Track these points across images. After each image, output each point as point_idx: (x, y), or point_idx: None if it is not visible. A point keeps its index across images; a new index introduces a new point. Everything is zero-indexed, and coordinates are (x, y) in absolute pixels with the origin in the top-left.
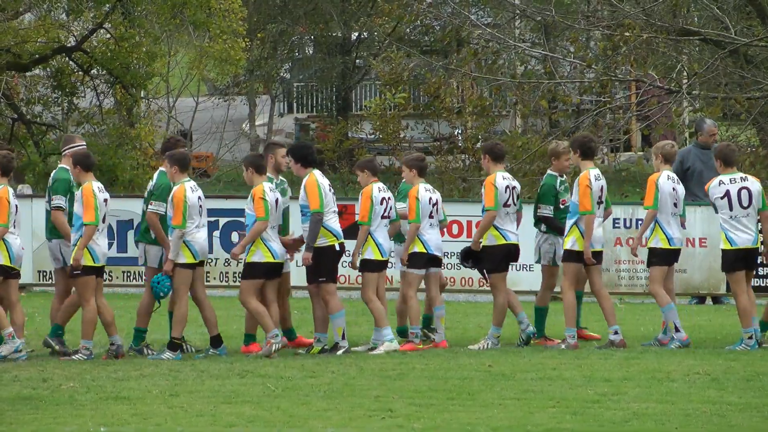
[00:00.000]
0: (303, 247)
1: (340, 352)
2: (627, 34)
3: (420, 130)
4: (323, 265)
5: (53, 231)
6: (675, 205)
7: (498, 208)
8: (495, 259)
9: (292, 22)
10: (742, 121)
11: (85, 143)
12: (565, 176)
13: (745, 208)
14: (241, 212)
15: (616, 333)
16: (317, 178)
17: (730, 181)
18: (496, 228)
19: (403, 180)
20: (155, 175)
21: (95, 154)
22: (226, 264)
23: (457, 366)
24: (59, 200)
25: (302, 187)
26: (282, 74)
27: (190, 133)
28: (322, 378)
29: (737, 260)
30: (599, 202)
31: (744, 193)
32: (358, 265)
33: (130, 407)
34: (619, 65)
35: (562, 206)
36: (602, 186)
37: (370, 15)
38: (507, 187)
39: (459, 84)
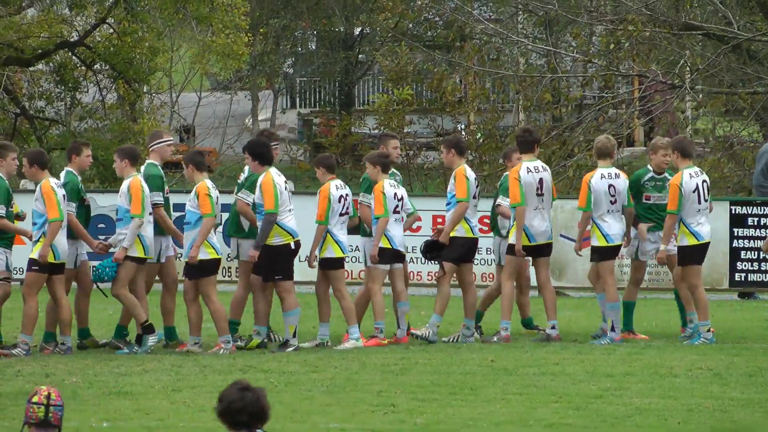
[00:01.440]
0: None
1: (289, 350)
2: (630, 28)
3: (423, 125)
4: (279, 264)
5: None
6: (612, 202)
7: (470, 200)
8: (458, 250)
9: (294, 17)
10: (744, 117)
11: (172, 138)
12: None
13: (706, 200)
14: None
15: (553, 328)
16: (273, 176)
17: (694, 174)
18: (466, 220)
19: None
20: (246, 168)
21: (98, 149)
22: (228, 259)
23: (460, 361)
24: (157, 197)
25: (258, 185)
26: (285, 69)
27: (192, 128)
28: (324, 373)
29: (701, 254)
30: (541, 195)
31: (704, 185)
32: (315, 264)
33: (133, 402)
34: (621, 60)
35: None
36: (542, 178)
37: (373, 10)
38: (475, 178)
39: (462, 78)
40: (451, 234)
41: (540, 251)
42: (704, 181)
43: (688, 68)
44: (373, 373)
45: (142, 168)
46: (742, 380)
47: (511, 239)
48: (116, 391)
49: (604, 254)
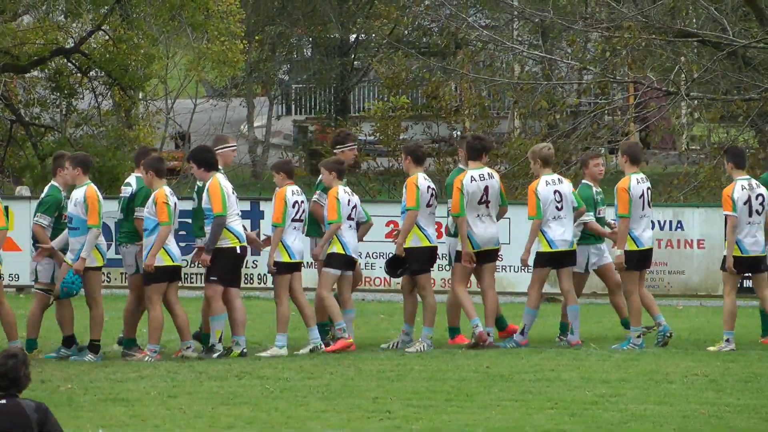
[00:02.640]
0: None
1: (215, 355)
2: (627, 36)
3: (419, 131)
4: (219, 266)
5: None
6: (559, 208)
7: (419, 208)
8: (421, 260)
9: (290, 24)
10: (740, 123)
11: (235, 144)
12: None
13: (650, 207)
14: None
15: (488, 334)
16: (220, 181)
17: (641, 180)
18: (420, 229)
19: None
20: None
21: (94, 156)
22: None
23: (456, 367)
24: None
25: (205, 190)
26: (280, 76)
27: (188, 135)
28: (320, 379)
29: (640, 260)
30: (486, 202)
31: (649, 192)
32: (274, 268)
33: (129, 409)
34: (617, 67)
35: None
36: (488, 186)
37: (368, 17)
38: (428, 187)
39: (457, 85)
40: (408, 245)
41: (484, 258)
42: (649, 188)
43: (683, 75)
44: (369, 380)
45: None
46: (737, 386)
47: (458, 246)
48: (112, 398)
49: (546, 261)
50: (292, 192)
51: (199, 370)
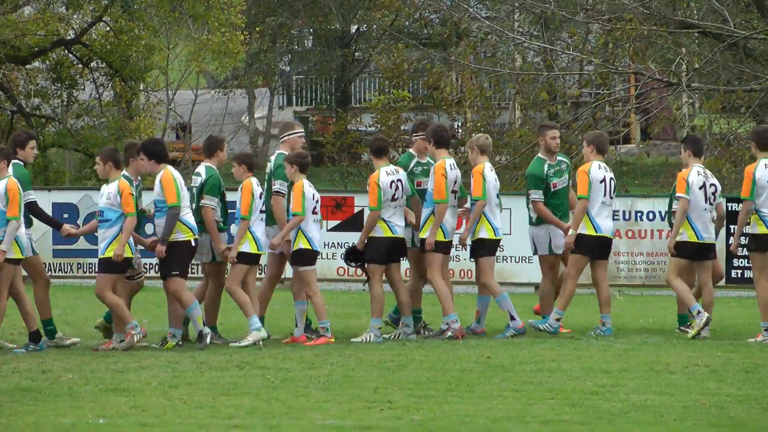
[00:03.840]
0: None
1: (207, 339)
2: (629, 27)
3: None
4: (178, 259)
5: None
6: (497, 196)
7: (381, 208)
8: (378, 250)
9: (291, 15)
10: (741, 115)
11: (302, 130)
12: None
13: (612, 197)
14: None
15: (452, 322)
16: (172, 172)
17: (603, 168)
18: (384, 220)
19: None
20: (272, 158)
21: (94, 147)
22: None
23: (456, 358)
24: (281, 186)
25: (158, 182)
26: (281, 67)
27: (189, 126)
28: (321, 369)
29: (596, 247)
30: (452, 192)
31: (612, 182)
32: (235, 258)
33: (129, 399)
34: (618, 57)
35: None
36: (457, 176)
37: (369, 8)
38: (392, 182)
39: (459, 76)
40: (371, 234)
41: (448, 247)
42: (612, 178)
43: (684, 66)
44: (370, 370)
45: (272, 158)
46: (738, 376)
47: (426, 235)
48: (113, 388)
49: (491, 248)
50: (256, 183)
51: (200, 361)
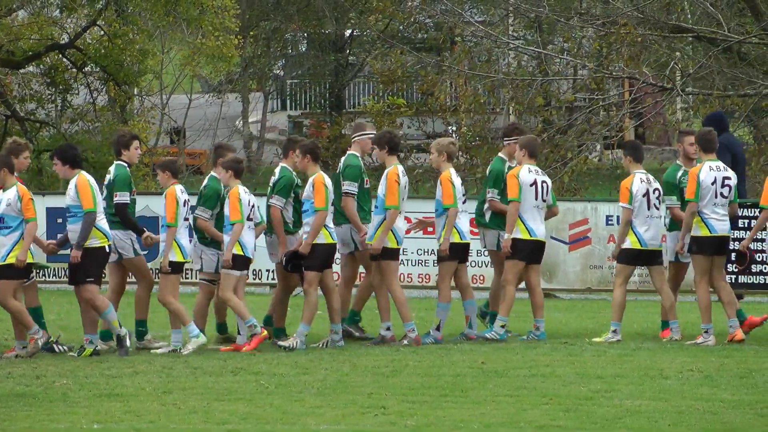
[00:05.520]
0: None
1: (128, 344)
2: (623, 32)
3: (414, 127)
4: (93, 266)
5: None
6: (464, 202)
7: (328, 208)
8: (320, 257)
9: (285, 19)
10: (736, 119)
11: (374, 131)
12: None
13: (544, 200)
14: None
15: (387, 329)
16: (88, 178)
17: (533, 171)
18: (325, 227)
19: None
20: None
21: (88, 151)
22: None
23: (450, 363)
24: (352, 187)
25: (73, 187)
26: (275, 71)
27: (183, 130)
28: (315, 375)
29: (530, 251)
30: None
31: (544, 185)
32: (168, 268)
33: (123, 404)
34: (612, 62)
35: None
36: (406, 182)
37: (363, 12)
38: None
39: (453, 82)
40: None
41: (396, 254)
42: (544, 181)
43: (678, 71)
44: (364, 375)
45: (342, 159)
46: (732, 382)
47: (375, 242)
48: (107, 393)
49: (454, 252)
50: (180, 191)
51: (194, 366)
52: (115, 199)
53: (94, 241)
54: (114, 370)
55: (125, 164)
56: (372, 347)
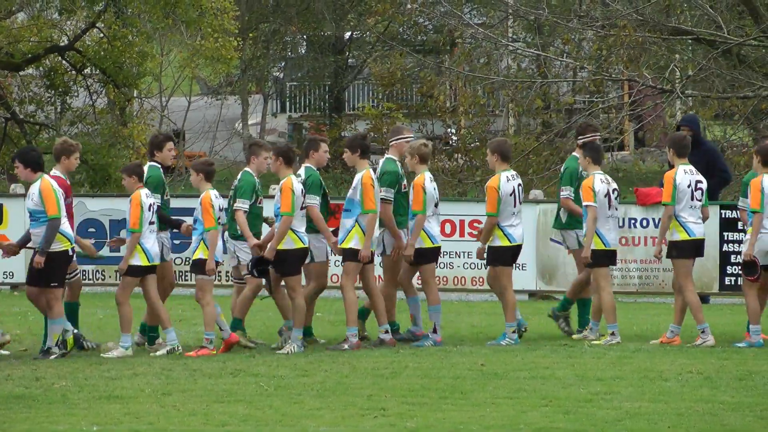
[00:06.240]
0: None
1: (51, 357)
2: (623, 34)
3: (414, 129)
4: (57, 270)
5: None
6: (436, 204)
7: (294, 213)
8: (294, 262)
9: (284, 21)
10: (735, 122)
11: (412, 135)
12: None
13: (520, 203)
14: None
15: (387, 332)
16: (51, 182)
17: (511, 177)
18: (294, 231)
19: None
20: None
21: (88, 154)
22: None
23: (450, 365)
24: (389, 193)
25: (36, 192)
26: (275, 73)
27: (182, 133)
28: (314, 377)
29: (512, 256)
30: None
31: (519, 188)
32: (125, 270)
33: (123, 406)
34: (612, 64)
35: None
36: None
37: (363, 14)
38: (301, 190)
39: (452, 84)
40: (281, 247)
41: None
42: (520, 184)
43: (678, 73)
44: (363, 377)
45: (381, 162)
46: (732, 384)
47: (350, 244)
48: (106, 395)
49: (429, 256)
50: (146, 195)
51: (194, 368)
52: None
53: (57, 245)
54: (113, 372)
55: (158, 165)
56: (372, 349)
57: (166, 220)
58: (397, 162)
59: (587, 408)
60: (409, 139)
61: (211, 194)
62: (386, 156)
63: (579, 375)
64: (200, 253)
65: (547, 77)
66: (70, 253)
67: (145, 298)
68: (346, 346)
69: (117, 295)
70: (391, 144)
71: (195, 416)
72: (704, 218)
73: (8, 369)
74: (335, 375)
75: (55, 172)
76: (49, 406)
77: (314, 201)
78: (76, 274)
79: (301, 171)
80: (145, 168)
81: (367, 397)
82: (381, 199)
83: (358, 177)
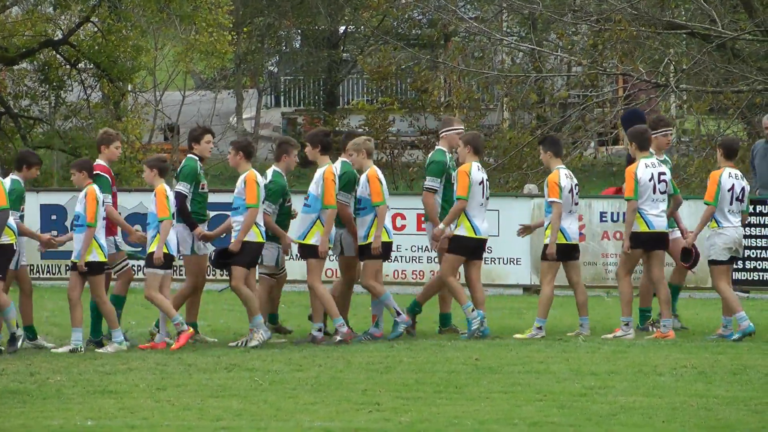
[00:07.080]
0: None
1: (19, 342)
2: (617, 28)
3: (407, 124)
4: (3, 263)
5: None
6: (487, 198)
7: (259, 206)
8: (250, 254)
9: (279, 15)
10: (730, 116)
11: (462, 127)
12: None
13: (487, 199)
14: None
15: (319, 330)
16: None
17: (481, 169)
18: (256, 225)
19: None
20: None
21: (82, 148)
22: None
23: (444, 359)
24: (433, 182)
25: None
26: (269, 68)
27: (177, 127)
28: (309, 371)
29: (473, 248)
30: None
31: (486, 183)
32: (85, 268)
33: (117, 401)
34: (606, 59)
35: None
36: (483, 178)
37: (357, 9)
38: (265, 185)
39: (446, 78)
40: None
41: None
42: (486, 179)
43: (672, 67)
44: (358, 372)
45: (430, 154)
46: (726, 378)
47: (312, 240)
48: (101, 390)
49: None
50: (98, 190)
51: (188, 363)
52: (175, 187)
53: (4, 238)
54: (108, 367)
55: (196, 157)
56: (366, 344)
57: (185, 215)
58: (446, 153)
59: (582, 402)
60: (459, 130)
61: (166, 187)
62: (438, 146)
63: (573, 369)
64: (155, 247)
65: (542, 72)
66: (15, 247)
67: (92, 295)
68: (338, 338)
69: (68, 293)
70: (441, 135)
71: (190, 411)
72: (676, 206)
73: (3, 364)
74: (330, 370)
75: (99, 161)
76: (43, 401)
77: (347, 200)
78: (126, 265)
79: (338, 164)
80: (183, 160)
81: (362, 392)
82: (425, 188)
83: (319, 172)
